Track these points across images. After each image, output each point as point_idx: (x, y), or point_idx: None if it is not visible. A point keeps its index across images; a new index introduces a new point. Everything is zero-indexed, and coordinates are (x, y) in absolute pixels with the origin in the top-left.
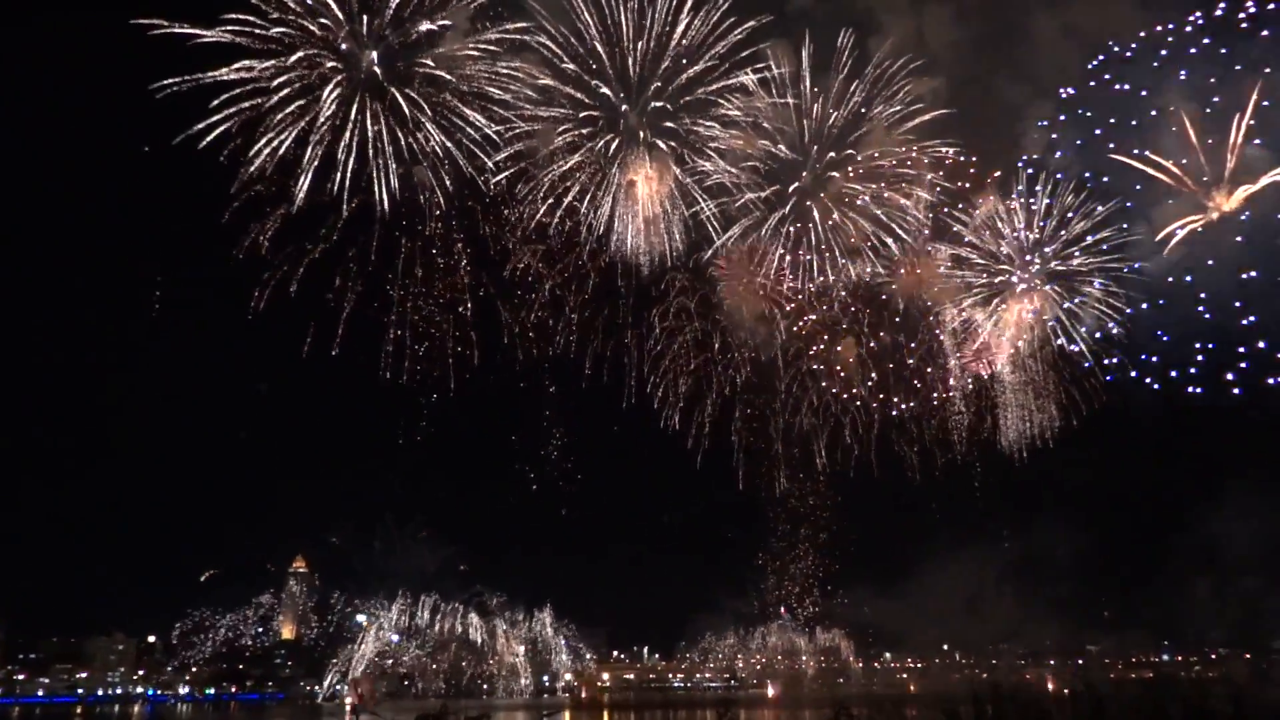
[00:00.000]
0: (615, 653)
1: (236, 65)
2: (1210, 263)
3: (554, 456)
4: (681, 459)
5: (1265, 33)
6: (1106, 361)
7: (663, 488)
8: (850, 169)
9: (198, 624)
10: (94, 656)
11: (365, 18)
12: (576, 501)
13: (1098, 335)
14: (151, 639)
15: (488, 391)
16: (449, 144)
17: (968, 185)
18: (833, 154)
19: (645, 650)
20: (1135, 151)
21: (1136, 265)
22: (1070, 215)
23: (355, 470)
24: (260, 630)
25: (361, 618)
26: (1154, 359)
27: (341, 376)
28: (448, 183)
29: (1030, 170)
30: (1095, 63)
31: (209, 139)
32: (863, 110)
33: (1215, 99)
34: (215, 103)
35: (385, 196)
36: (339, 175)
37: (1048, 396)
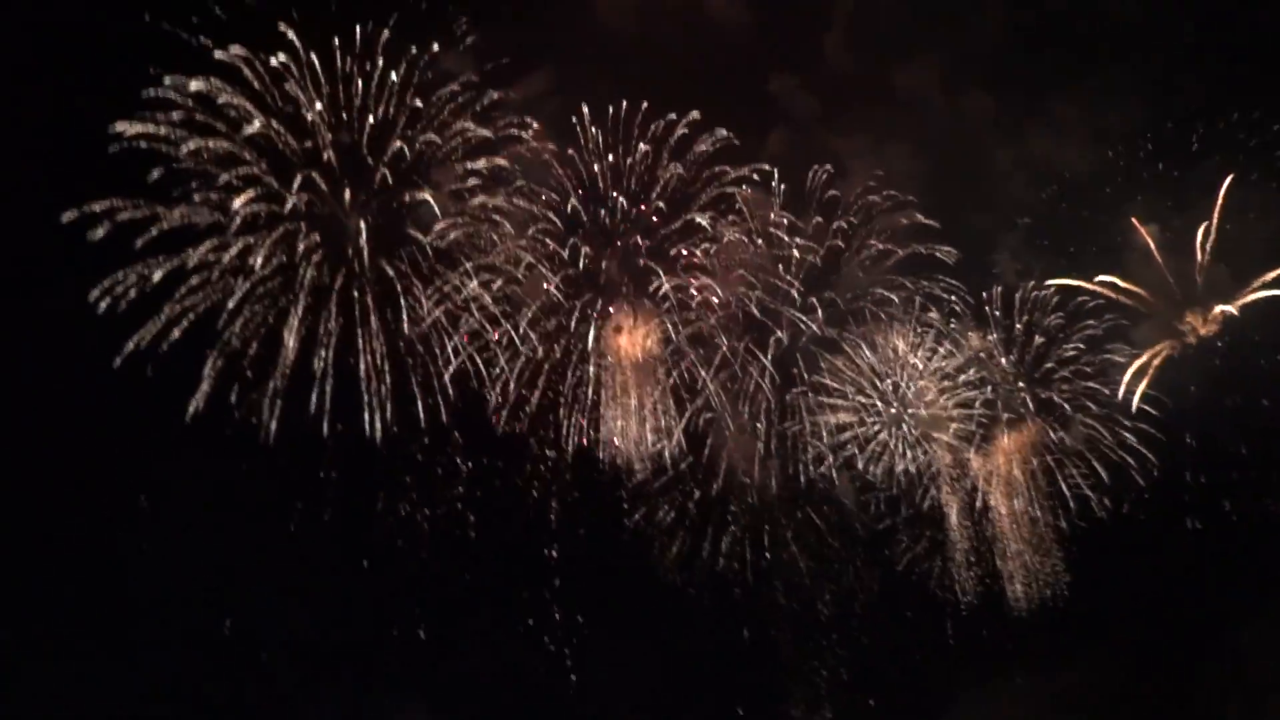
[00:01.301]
0: None
1: (202, 247)
2: (1192, 388)
3: (555, 628)
4: (685, 616)
5: (1217, 157)
6: (1099, 497)
7: (666, 647)
8: (830, 310)
9: None
10: None
11: (349, 191)
12: (578, 668)
13: (1086, 474)
14: None
15: (486, 567)
16: (436, 312)
17: (946, 319)
18: (813, 298)
19: None
20: (1099, 278)
21: (1119, 396)
22: (1043, 342)
23: (347, 657)
24: None
25: None
26: (1145, 495)
27: (329, 552)
28: (438, 353)
29: (1001, 302)
30: (1048, 191)
31: (182, 324)
32: (839, 251)
33: (1175, 222)
34: (185, 288)
35: (372, 372)
36: (324, 352)
37: (1049, 540)
